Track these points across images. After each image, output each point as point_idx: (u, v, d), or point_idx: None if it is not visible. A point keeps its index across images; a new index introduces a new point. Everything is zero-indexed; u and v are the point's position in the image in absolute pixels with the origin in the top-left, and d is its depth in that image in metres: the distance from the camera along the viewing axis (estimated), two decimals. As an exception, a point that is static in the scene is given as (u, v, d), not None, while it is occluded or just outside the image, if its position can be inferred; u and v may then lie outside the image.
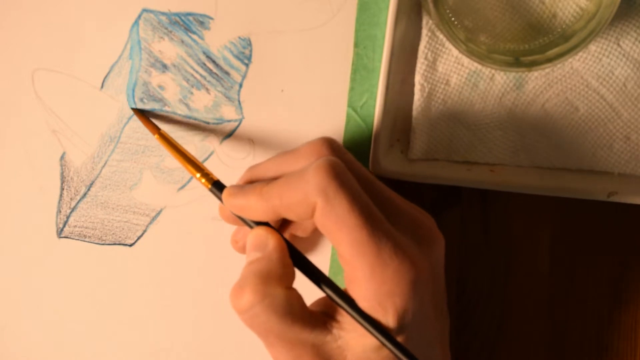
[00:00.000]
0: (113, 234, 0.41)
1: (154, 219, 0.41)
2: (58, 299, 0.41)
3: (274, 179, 0.33)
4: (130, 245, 0.41)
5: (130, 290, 0.41)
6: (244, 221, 0.34)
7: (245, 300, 0.31)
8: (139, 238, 0.41)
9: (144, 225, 0.41)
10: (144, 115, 0.40)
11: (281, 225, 0.37)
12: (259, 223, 0.34)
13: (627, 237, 0.42)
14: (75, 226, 0.41)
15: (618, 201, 0.38)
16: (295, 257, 0.33)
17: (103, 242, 0.41)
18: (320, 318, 0.32)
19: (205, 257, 0.41)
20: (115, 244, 0.41)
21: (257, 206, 0.32)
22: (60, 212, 0.41)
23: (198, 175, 0.35)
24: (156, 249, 0.41)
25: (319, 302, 0.34)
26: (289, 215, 0.32)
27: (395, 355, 0.30)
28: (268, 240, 0.33)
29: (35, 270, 0.41)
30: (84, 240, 0.41)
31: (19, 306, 0.42)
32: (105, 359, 0.42)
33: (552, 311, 0.43)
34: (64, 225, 0.41)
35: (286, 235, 0.36)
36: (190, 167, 0.36)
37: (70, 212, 0.41)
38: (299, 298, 0.32)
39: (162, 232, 0.41)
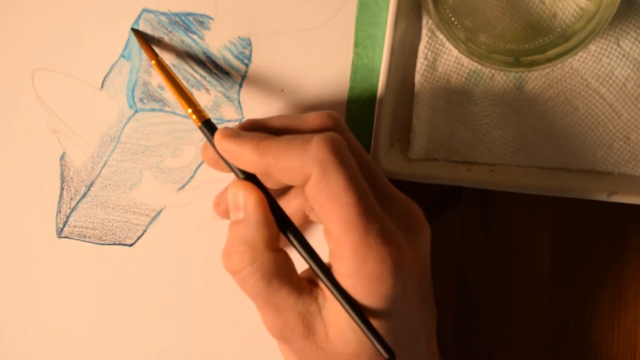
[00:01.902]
0: (113, 234, 0.41)
1: (154, 219, 0.41)
2: (58, 299, 0.41)
3: (273, 134, 0.32)
4: (130, 245, 0.41)
5: (130, 290, 0.41)
6: (230, 166, 0.33)
7: (233, 264, 0.32)
8: (139, 238, 0.41)
9: (144, 225, 0.41)
10: (144, 38, 0.39)
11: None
12: (245, 174, 0.33)
13: (627, 237, 0.42)
14: (75, 226, 0.41)
15: (618, 201, 0.38)
16: (277, 217, 0.32)
17: (103, 242, 0.41)
18: (307, 285, 0.33)
19: (205, 257, 0.41)
20: (115, 244, 0.41)
21: (250, 158, 0.32)
22: (60, 212, 0.41)
23: (190, 110, 0.35)
24: (156, 249, 0.41)
25: (309, 269, 0.34)
26: (279, 176, 0.31)
27: (361, 329, 0.30)
28: (248, 199, 0.32)
29: (35, 270, 0.41)
30: (84, 240, 0.41)
31: (19, 306, 0.42)
32: (105, 359, 0.42)
33: (552, 311, 0.43)
34: (64, 225, 0.41)
35: None
36: (182, 101, 0.35)
37: (70, 212, 0.41)
38: (286, 261, 0.32)
39: (162, 232, 0.41)
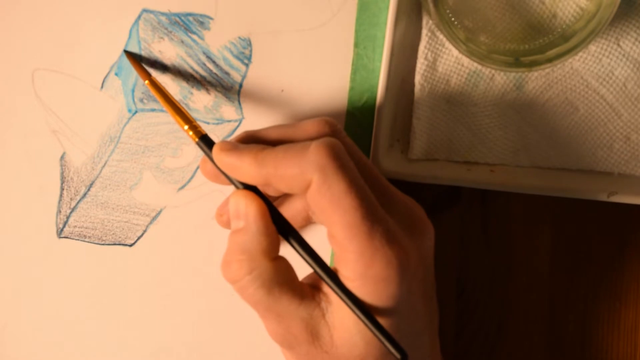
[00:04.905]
0: (113, 234, 0.41)
1: (154, 219, 0.41)
2: (58, 299, 0.41)
3: (271, 144, 0.32)
4: (130, 245, 0.41)
5: (130, 290, 0.41)
6: (229, 179, 0.33)
7: (232, 273, 0.32)
8: (139, 238, 0.41)
9: (144, 225, 0.41)
10: (136, 59, 0.39)
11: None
12: (245, 185, 0.33)
13: (627, 237, 0.42)
14: (75, 226, 0.41)
15: (618, 201, 0.38)
16: (279, 224, 0.33)
17: (103, 242, 0.41)
18: (309, 291, 0.33)
19: (205, 257, 0.41)
20: (115, 244, 0.41)
21: (250, 169, 0.32)
22: (60, 212, 0.41)
23: (186, 127, 0.35)
24: (156, 249, 0.41)
25: (311, 275, 0.34)
26: (280, 186, 0.31)
27: (372, 331, 0.30)
28: (249, 208, 0.32)
29: (35, 270, 0.41)
30: (84, 240, 0.41)
31: (19, 306, 0.42)
32: (105, 359, 0.42)
33: (552, 311, 0.43)
34: (64, 225, 0.41)
35: None
36: (178, 118, 0.35)
37: (70, 212, 0.41)
38: (287, 268, 0.33)
39: (162, 232, 0.41)
